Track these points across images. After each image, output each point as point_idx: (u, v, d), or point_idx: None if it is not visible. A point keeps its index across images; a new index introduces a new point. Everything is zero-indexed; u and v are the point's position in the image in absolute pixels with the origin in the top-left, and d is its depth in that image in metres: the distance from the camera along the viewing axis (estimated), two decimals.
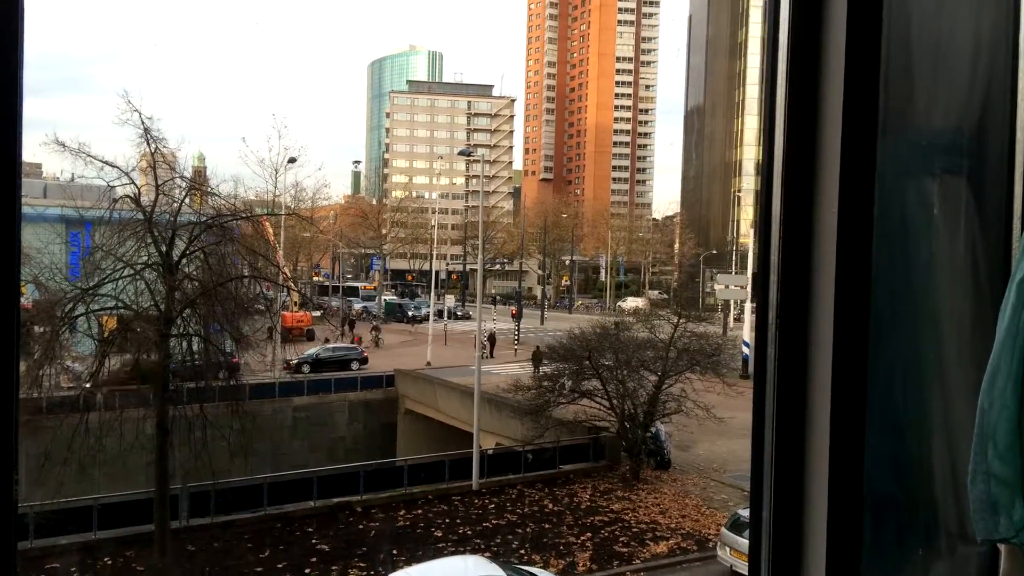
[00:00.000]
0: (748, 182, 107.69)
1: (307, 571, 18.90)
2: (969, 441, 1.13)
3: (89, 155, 20.42)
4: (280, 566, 19.14)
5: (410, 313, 65.54)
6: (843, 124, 1.27)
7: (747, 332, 40.78)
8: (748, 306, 42.78)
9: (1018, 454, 1.11)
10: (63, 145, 20.79)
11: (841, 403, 1.27)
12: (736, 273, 64.71)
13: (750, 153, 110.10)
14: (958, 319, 1.34)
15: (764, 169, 1.38)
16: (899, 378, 1.39)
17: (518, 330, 51.68)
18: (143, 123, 20.50)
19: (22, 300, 22.41)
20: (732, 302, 53.37)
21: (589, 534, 21.22)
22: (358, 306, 69.86)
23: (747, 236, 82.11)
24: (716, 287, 58.08)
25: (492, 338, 47.92)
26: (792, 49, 1.33)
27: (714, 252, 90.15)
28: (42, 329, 19.48)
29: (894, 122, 1.33)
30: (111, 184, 20.33)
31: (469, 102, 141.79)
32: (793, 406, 1.31)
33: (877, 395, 1.32)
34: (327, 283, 79.93)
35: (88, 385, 19.81)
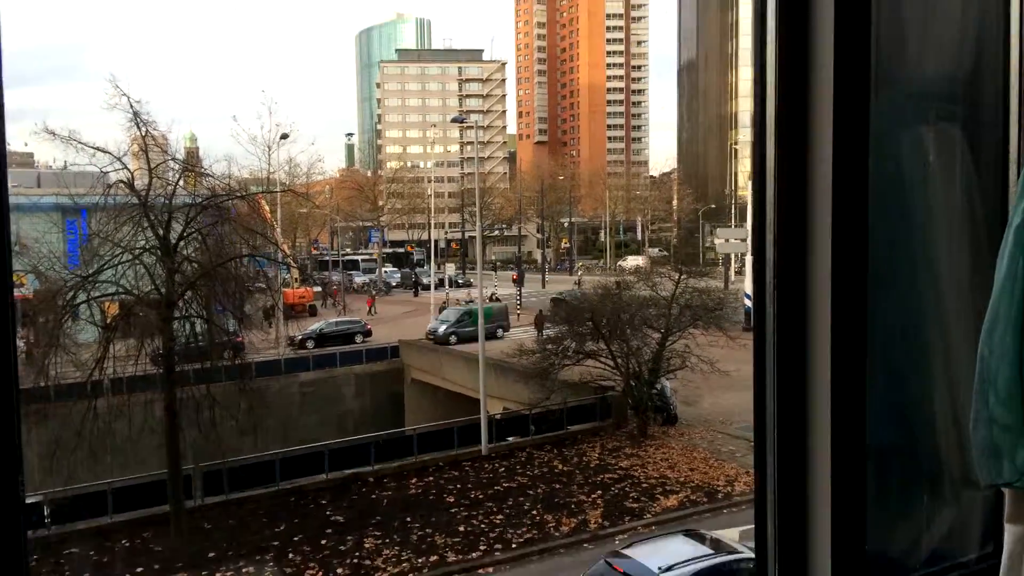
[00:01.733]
0: (745, 134, 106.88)
1: (323, 542, 19.15)
2: (970, 388, 1.13)
3: (80, 142, 20.36)
4: (296, 538, 19.39)
5: (425, 281, 65.34)
6: (835, 77, 1.25)
7: (748, 285, 40.80)
8: (749, 259, 42.78)
9: (1019, 400, 1.11)
10: (53, 133, 20.70)
11: (841, 355, 1.27)
12: (735, 227, 64.59)
13: (745, 105, 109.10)
14: (956, 267, 1.34)
15: (757, 128, 1.37)
16: (899, 328, 1.39)
17: (520, 295, 51.71)
18: (132, 107, 20.38)
19: (23, 291, 22.46)
20: (733, 255, 53.34)
21: (599, 492, 21.46)
22: (359, 279, 69.87)
23: (745, 189, 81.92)
24: (716, 241, 58.00)
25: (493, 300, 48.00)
26: (781, 3, 1.31)
27: (712, 206, 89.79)
28: (45, 318, 19.53)
29: (887, 72, 1.31)
30: (104, 170, 20.27)
31: (460, 68, 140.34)
32: (793, 360, 1.31)
33: (877, 346, 1.32)
34: (326, 257, 79.78)
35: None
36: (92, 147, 20.13)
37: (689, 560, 13.53)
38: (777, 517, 1.35)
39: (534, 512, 20.38)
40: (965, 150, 1.36)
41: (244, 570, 17.84)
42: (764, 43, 1.33)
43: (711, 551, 13.91)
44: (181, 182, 21.55)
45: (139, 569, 17.90)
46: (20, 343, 22.61)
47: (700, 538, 14.85)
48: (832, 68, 1.25)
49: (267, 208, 35.18)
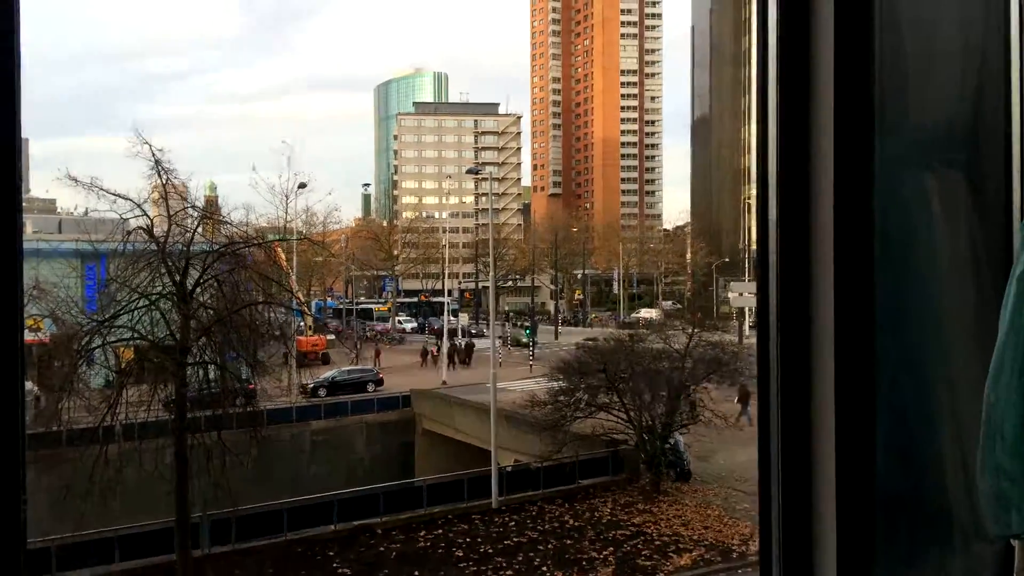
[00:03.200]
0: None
1: None
2: (978, 436, 1.12)
3: (101, 188, 20.69)
4: None
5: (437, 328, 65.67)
6: (835, 124, 1.28)
7: None
8: None
9: None
10: (75, 180, 21.07)
11: (846, 402, 1.26)
12: (749, 280, 64.40)
13: None
14: (961, 313, 1.34)
15: (760, 176, 1.39)
16: (905, 375, 1.38)
17: (533, 345, 51.55)
18: (153, 155, 20.75)
19: (40, 335, 22.64)
20: (747, 309, 53.07)
21: (611, 548, 21.07)
22: (380, 327, 70.19)
23: None
24: (730, 295, 57.82)
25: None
26: (781, 55, 1.34)
27: (726, 260, 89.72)
28: (60, 362, 19.64)
29: (889, 118, 1.33)
30: (124, 216, 20.58)
31: (476, 121, 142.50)
32: (797, 407, 1.31)
33: (884, 392, 1.31)
34: (340, 306, 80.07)
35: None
36: (113, 194, 20.48)
37: None
38: (782, 565, 1.33)
39: (544, 568, 20.01)
40: (968, 197, 1.37)
41: None
42: (766, 94, 1.36)
43: None
44: (200, 229, 21.82)
45: None
46: (32, 386, 22.70)
47: None
48: (832, 113, 1.27)
49: (283, 256, 35.51)
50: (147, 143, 20.72)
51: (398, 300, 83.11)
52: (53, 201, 73.05)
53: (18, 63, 1.09)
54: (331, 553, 21.57)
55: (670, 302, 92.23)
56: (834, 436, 1.27)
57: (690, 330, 28.10)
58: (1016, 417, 1.11)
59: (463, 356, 50.71)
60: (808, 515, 1.31)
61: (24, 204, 1.18)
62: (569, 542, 21.83)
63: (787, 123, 1.32)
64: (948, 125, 1.39)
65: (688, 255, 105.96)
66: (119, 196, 20.40)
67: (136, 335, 19.97)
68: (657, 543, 21.40)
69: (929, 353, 1.38)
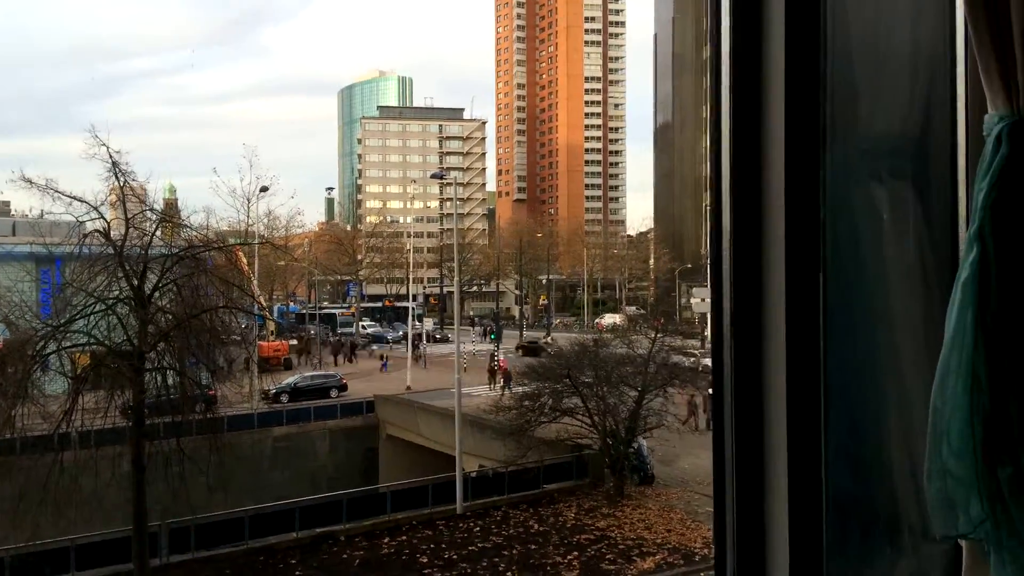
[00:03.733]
0: None
1: None
2: (925, 440, 1.14)
3: (57, 191, 20.28)
4: None
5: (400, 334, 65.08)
6: (786, 135, 1.30)
7: None
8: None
9: (971, 452, 1.12)
10: (30, 182, 20.64)
11: (797, 407, 1.29)
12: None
13: None
14: (910, 320, 1.37)
15: (713, 184, 1.41)
16: (854, 380, 1.41)
17: (497, 350, 51.56)
18: (111, 157, 20.38)
19: None
20: (709, 315, 53.58)
21: (576, 553, 21.13)
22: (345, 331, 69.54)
23: None
24: (692, 301, 58.40)
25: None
26: (733, 65, 1.36)
27: (688, 266, 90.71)
28: (13, 368, 19.17)
29: (838, 130, 1.36)
30: (80, 219, 20.17)
31: (440, 126, 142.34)
32: (751, 411, 1.33)
33: (833, 398, 1.34)
34: (304, 311, 79.27)
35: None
36: (69, 196, 20.08)
37: None
38: (736, 568, 1.35)
39: (509, 573, 20.00)
40: (916, 205, 1.40)
41: None
42: (719, 104, 1.38)
43: None
44: (158, 232, 21.47)
45: None
46: None
47: None
48: (783, 124, 1.29)
49: (244, 260, 35.08)
50: (104, 144, 20.37)
51: (362, 305, 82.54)
52: (7, 203, 71.38)
53: None
54: (293, 561, 21.34)
55: (634, 307, 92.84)
56: (786, 441, 1.29)
57: (653, 335, 28.32)
58: (961, 422, 1.13)
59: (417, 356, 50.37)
60: (761, 517, 1.33)
61: None
62: (534, 547, 21.86)
63: (739, 132, 1.34)
64: (896, 135, 1.43)
65: (651, 261, 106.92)
66: (75, 198, 20.03)
67: (92, 340, 19.57)
68: (621, 547, 21.52)
69: (878, 359, 1.41)
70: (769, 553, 1.30)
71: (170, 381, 20.24)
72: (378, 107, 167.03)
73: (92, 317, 19.42)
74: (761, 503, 1.30)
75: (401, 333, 63.49)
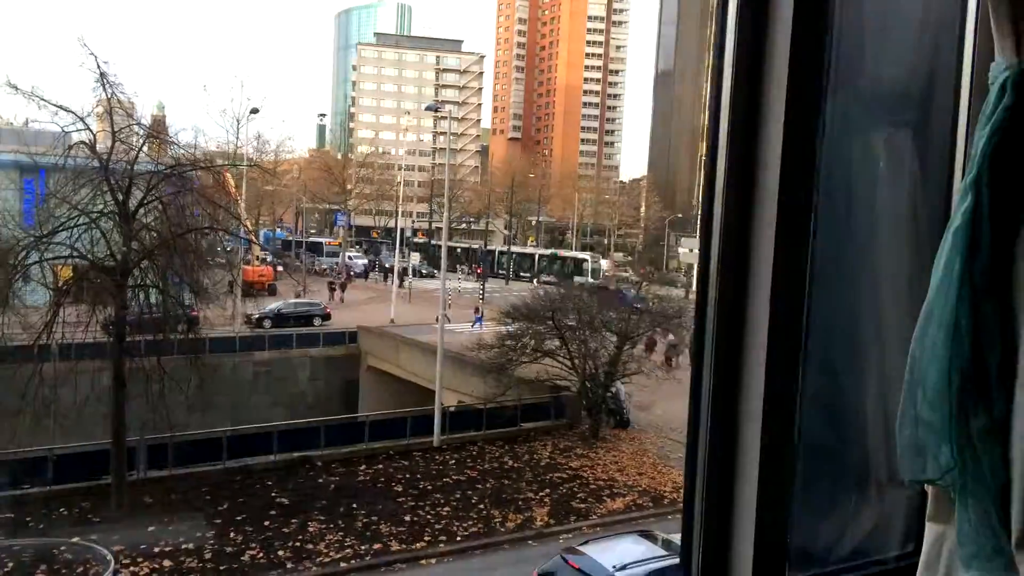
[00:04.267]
0: None
1: (266, 523, 18.96)
2: (901, 389, 1.15)
3: (42, 99, 19.85)
4: (239, 518, 19.17)
5: (387, 267, 64.69)
6: (788, 82, 1.27)
7: None
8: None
9: (946, 401, 1.13)
10: (16, 88, 20.18)
11: (776, 351, 1.29)
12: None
13: None
14: (897, 272, 1.37)
15: (711, 130, 1.39)
16: (836, 328, 1.42)
17: (483, 289, 51.69)
18: (99, 67, 19.91)
19: None
20: (697, 259, 53.84)
21: (548, 490, 21.56)
22: (325, 263, 69.05)
23: None
24: (680, 250, 58.56)
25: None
26: (741, 7, 1.33)
27: (679, 216, 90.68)
28: None
29: (843, 78, 1.34)
30: (66, 129, 19.80)
31: (438, 57, 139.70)
32: (730, 350, 1.33)
33: (814, 344, 1.34)
34: (290, 238, 78.86)
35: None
36: (55, 104, 19.67)
37: (642, 560, 13.70)
38: (704, 506, 1.37)
39: (481, 506, 20.41)
40: (913, 156, 1.39)
41: (184, 546, 17.58)
42: (723, 46, 1.34)
43: (664, 552, 14.10)
44: (145, 148, 21.14)
45: (74, 539, 17.50)
46: None
47: (653, 539, 15.05)
48: (787, 72, 1.26)
49: (232, 183, 34.68)
50: (92, 54, 19.89)
51: (349, 237, 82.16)
52: None
53: None
54: (269, 483, 21.65)
55: (621, 254, 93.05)
56: (763, 383, 1.30)
57: (638, 283, 28.43)
58: (938, 371, 1.13)
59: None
60: (732, 459, 1.34)
61: None
62: (507, 482, 22.27)
63: (741, 76, 1.31)
64: (901, 84, 1.41)
65: (642, 209, 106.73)
66: (61, 107, 19.63)
67: (75, 253, 19.42)
68: (592, 487, 21.97)
69: (862, 309, 1.41)
70: (737, 492, 1.32)
71: (153, 299, 20.20)
72: (375, 34, 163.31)
73: (75, 230, 19.24)
74: (734, 443, 1.31)
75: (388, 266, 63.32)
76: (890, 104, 1.37)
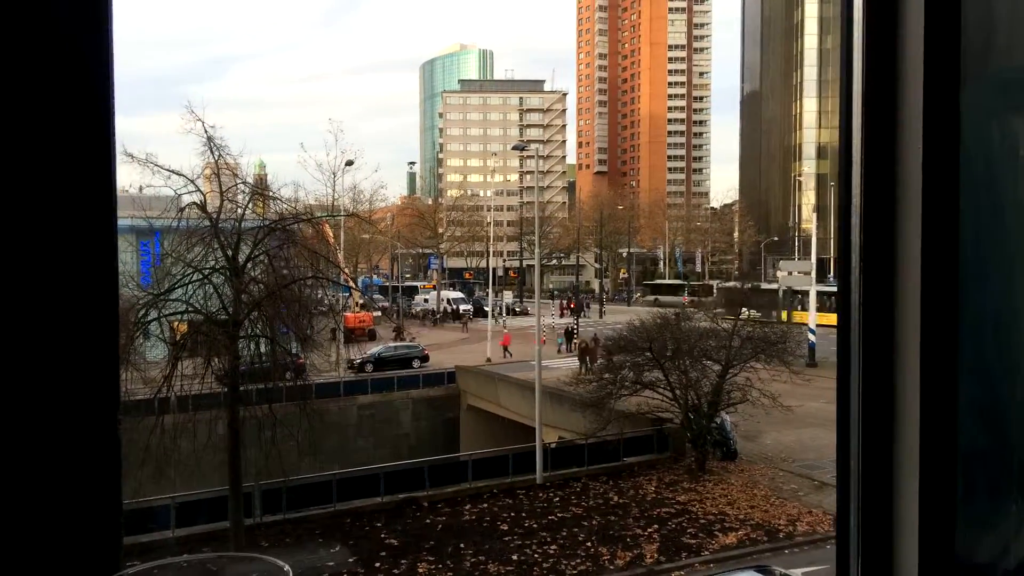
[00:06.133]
0: (809, 166, 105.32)
1: (376, 564, 19.20)
2: None
3: (156, 164, 21.10)
4: (351, 560, 19.49)
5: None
6: (924, 68, 1.24)
7: (813, 319, 39.90)
8: (812, 292, 41.81)
9: None
10: (132, 156, 21.52)
11: (931, 353, 1.24)
12: (799, 259, 63.32)
13: (810, 136, 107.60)
14: None
15: (843, 131, 1.35)
16: (991, 326, 1.35)
17: (577, 324, 51.51)
18: (206, 132, 21.08)
19: None
20: (811, 289, 52.15)
21: (656, 526, 21.06)
22: (464, 307, 68.79)
23: (809, 222, 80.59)
24: (779, 274, 56.90)
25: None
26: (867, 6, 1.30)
27: (775, 239, 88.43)
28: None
29: (977, 62, 1.29)
30: (178, 192, 20.98)
31: (521, 98, 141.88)
32: (880, 356, 1.28)
33: (968, 344, 1.28)
34: (386, 284, 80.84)
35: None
36: (167, 170, 20.89)
37: None
38: (861, 526, 1.31)
39: (588, 544, 20.10)
40: None
41: None
42: (851, 38, 1.32)
43: None
44: (250, 205, 22.16)
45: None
46: None
47: (770, 574, 14.53)
48: (923, 59, 1.23)
49: (331, 233, 35.94)
50: (200, 120, 21.10)
51: (443, 280, 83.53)
52: None
53: (110, 58, 1.04)
54: (378, 524, 21.96)
55: (717, 281, 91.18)
56: (919, 390, 1.24)
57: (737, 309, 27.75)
58: None
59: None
60: (889, 469, 1.28)
61: None
62: (613, 519, 21.88)
63: (874, 68, 1.28)
64: None
65: (736, 233, 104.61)
66: (173, 172, 20.82)
67: (190, 308, 20.42)
68: (702, 521, 21.34)
69: (1015, 306, 1.34)
70: (896, 503, 1.26)
71: (262, 348, 20.99)
72: (459, 81, 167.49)
73: (190, 286, 20.24)
74: (890, 450, 1.26)
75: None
76: None
